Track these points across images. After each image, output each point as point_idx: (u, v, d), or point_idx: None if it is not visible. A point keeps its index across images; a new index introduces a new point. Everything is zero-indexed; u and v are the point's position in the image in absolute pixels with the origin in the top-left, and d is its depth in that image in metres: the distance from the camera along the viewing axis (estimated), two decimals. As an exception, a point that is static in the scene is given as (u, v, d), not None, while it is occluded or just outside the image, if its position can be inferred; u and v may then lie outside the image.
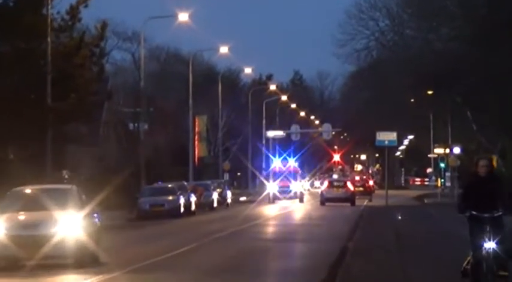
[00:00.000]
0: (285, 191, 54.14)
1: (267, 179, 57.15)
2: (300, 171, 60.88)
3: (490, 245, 11.24)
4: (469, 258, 11.74)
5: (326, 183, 56.94)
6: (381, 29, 61.54)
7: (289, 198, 53.92)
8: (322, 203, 52.05)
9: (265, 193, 55.81)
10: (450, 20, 53.93)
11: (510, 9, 48.73)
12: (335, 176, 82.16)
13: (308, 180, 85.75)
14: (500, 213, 11.32)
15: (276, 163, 58.72)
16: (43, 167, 32.12)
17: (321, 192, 54.85)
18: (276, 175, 55.70)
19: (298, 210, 47.07)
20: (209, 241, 23.67)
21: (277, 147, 74.32)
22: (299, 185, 57.17)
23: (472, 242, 11.52)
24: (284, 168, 56.89)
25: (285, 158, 60.70)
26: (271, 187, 54.51)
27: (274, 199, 53.56)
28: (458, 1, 53.47)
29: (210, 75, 69.99)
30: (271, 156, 66.81)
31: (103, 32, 37.07)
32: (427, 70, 53.46)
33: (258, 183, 72.61)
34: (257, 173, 70.48)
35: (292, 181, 55.44)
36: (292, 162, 59.13)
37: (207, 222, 35.92)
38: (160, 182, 43.46)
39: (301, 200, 55.46)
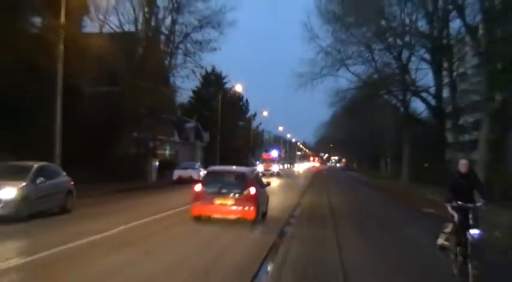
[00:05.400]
0: (268, 170, 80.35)
1: (255, 163, 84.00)
2: (276, 159, 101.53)
3: (474, 231, 11.65)
4: (445, 235, 12.52)
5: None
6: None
7: (270, 175, 73.93)
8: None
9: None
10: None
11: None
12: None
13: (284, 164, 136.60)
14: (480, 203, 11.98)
15: (265, 155, 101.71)
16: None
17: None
18: (264, 161, 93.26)
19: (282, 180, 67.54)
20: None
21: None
22: (276, 167, 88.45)
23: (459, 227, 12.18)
24: (269, 157, 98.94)
25: (270, 151, 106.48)
26: (260, 167, 73.86)
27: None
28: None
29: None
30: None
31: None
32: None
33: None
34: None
35: (273, 165, 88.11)
36: (275, 154, 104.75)
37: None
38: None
39: (278, 175, 78.99)
